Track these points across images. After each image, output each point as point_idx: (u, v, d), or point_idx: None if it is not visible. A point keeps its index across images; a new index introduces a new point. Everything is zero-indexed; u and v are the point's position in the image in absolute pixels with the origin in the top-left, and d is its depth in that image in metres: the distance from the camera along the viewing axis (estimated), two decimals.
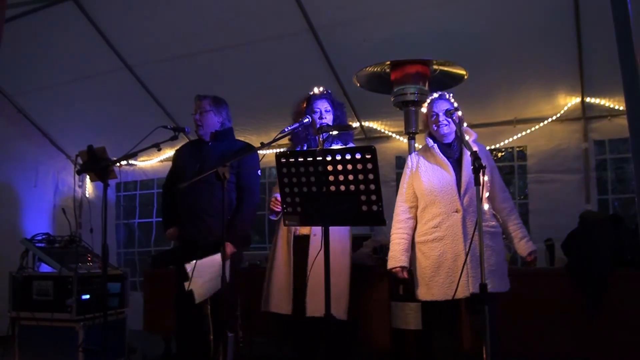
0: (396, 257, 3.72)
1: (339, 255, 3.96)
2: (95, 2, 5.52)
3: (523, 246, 3.65)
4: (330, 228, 2.93)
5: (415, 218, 3.77)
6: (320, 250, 3.15)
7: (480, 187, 2.92)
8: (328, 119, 4.04)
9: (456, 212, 3.50)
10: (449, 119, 3.55)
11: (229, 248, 3.79)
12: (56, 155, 7.65)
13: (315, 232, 3.96)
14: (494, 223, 3.59)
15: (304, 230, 4.03)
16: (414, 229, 3.77)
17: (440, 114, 3.58)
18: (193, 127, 4.26)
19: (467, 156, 3.53)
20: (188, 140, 4.23)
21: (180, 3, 5.42)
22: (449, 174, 3.57)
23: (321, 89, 4.18)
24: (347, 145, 4.02)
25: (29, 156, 7.26)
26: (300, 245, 4.02)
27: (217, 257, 3.62)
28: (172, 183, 4.27)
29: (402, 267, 3.71)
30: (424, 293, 3.63)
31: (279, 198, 3.98)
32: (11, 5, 4.96)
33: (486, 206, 3.53)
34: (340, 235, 4.05)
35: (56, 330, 4.40)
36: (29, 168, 7.29)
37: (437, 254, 3.56)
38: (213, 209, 3.98)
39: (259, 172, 4.36)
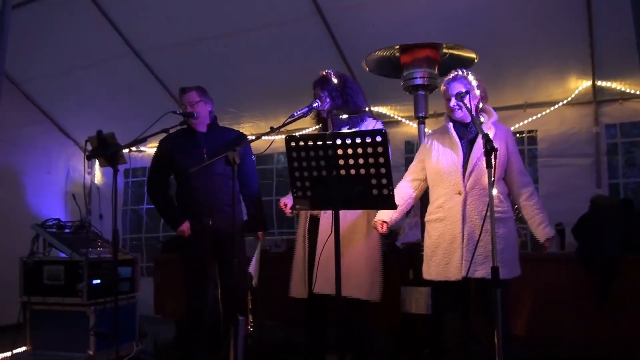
0: (380, 213, 3.78)
1: (360, 240, 3.99)
2: None
3: (541, 232, 3.55)
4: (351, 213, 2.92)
5: (417, 190, 3.82)
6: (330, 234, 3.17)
7: (492, 170, 2.86)
8: (328, 102, 4.01)
9: (458, 194, 3.49)
10: (460, 103, 3.51)
11: (262, 235, 4.20)
12: (65, 141, 7.68)
13: (326, 212, 3.96)
14: (502, 208, 3.51)
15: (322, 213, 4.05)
16: (412, 197, 3.83)
17: (452, 98, 3.56)
18: None
19: (480, 138, 3.50)
20: (173, 132, 4.19)
21: None
22: (456, 155, 3.55)
23: (327, 71, 4.14)
24: (358, 127, 3.99)
25: (39, 142, 7.28)
26: (313, 225, 4.04)
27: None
28: (162, 175, 4.34)
29: (382, 221, 3.76)
30: (424, 272, 3.67)
31: (285, 202, 4.03)
32: None
33: (495, 191, 3.46)
34: (353, 219, 4.06)
35: (67, 314, 4.43)
36: (40, 154, 7.31)
37: (437, 234, 3.58)
38: (229, 199, 4.08)
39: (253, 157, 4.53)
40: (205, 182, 4.14)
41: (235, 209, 3.49)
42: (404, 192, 3.82)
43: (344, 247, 3.78)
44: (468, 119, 3.58)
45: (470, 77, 3.55)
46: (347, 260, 3.75)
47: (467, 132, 3.61)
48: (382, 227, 3.78)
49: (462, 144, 3.58)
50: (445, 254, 3.51)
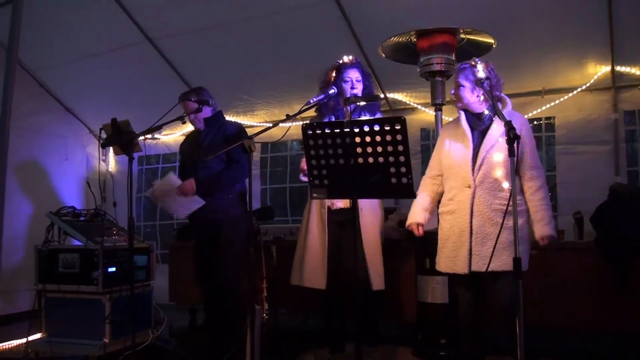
0: (412, 214, 3.77)
1: (371, 229, 3.98)
2: None
3: (539, 228, 3.42)
4: (363, 201, 2.90)
5: (441, 185, 3.75)
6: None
7: (515, 159, 2.79)
8: (359, 88, 4.01)
9: (467, 187, 3.45)
10: (457, 92, 3.51)
11: (190, 185, 4.12)
12: (82, 129, 7.69)
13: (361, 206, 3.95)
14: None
15: (339, 203, 4.02)
16: (438, 193, 3.78)
17: (459, 87, 3.52)
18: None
19: (492, 129, 3.44)
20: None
21: None
22: (466, 148, 3.50)
23: (351, 57, 4.14)
24: (375, 116, 3.96)
25: (55, 130, 7.27)
26: (337, 218, 4.01)
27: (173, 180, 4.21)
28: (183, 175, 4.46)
29: (418, 224, 3.74)
30: (437, 263, 3.66)
31: None
32: None
33: (506, 184, 3.37)
34: (372, 208, 4.05)
35: (82, 302, 4.42)
36: (57, 142, 7.31)
37: (447, 227, 3.57)
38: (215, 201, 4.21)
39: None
40: (190, 174, 4.26)
41: (250, 200, 3.44)
42: (430, 188, 3.78)
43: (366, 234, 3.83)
44: (481, 107, 3.53)
45: (480, 67, 3.46)
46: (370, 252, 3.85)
47: (480, 123, 3.54)
48: (417, 230, 3.75)
49: (473, 136, 3.52)
50: (454, 246, 3.49)
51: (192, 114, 4.32)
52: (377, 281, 4.00)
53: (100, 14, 5.88)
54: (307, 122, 3.00)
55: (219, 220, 4.15)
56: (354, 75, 4.02)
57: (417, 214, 3.74)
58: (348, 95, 3.92)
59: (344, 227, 4.01)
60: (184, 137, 4.80)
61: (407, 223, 3.79)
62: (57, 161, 7.28)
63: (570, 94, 5.56)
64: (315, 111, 4.23)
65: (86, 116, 7.60)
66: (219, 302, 4.21)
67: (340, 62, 4.11)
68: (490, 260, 3.24)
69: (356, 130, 2.76)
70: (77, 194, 7.36)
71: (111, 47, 6.32)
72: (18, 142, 6.27)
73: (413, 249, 4.52)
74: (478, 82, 3.38)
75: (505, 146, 3.15)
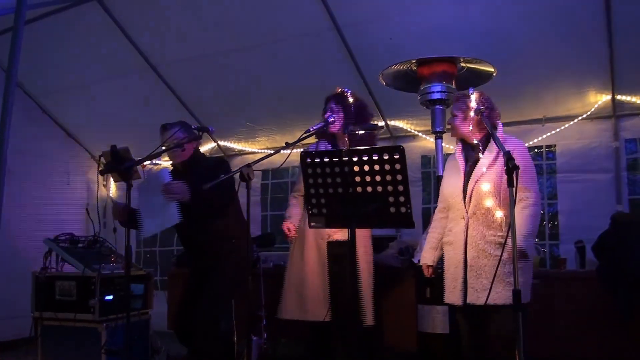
0: (424, 255, 3.73)
1: (362, 262, 3.94)
2: (118, 2, 5.50)
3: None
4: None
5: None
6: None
7: (514, 190, 2.76)
8: (333, 119, 3.98)
9: (462, 219, 3.43)
10: (451, 123, 3.52)
11: (180, 187, 3.64)
12: (83, 154, 7.70)
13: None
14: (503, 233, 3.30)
15: (337, 235, 3.98)
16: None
17: (453, 117, 3.52)
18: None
19: (481, 160, 3.42)
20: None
21: (203, 2, 5.39)
22: (459, 179, 3.50)
23: (338, 89, 4.13)
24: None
25: (57, 155, 7.30)
26: (337, 251, 3.98)
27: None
28: None
29: (428, 265, 3.70)
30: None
31: (289, 225, 3.99)
32: (34, 6, 4.96)
33: (499, 214, 3.31)
34: (363, 239, 4.00)
35: (79, 330, 4.38)
36: (59, 167, 7.33)
37: (447, 258, 3.55)
38: (201, 241, 3.99)
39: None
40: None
41: (248, 228, 3.40)
42: (439, 225, 3.71)
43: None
44: (472, 139, 3.50)
45: (473, 97, 3.44)
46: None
47: (473, 153, 3.52)
48: (428, 272, 3.71)
49: (465, 167, 3.52)
50: (452, 278, 3.47)
51: (182, 146, 3.93)
52: (369, 317, 3.97)
53: (102, 41, 5.92)
54: (306, 149, 2.99)
55: (213, 253, 3.95)
56: (330, 105, 4.05)
57: (427, 255, 3.71)
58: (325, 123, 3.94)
59: (340, 259, 3.97)
60: None
61: (421, 263, 3.76)
62: (59, 186, 7.28)
63: (571, 122, 5.55)
64: (315, 138, 4.23)
65: (88, 142, 7.62)
66: (195, 336, 3.96)
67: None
68: (489, 293, 3.20)
69: (355, 159, 2.75)
70: (78, 220, 7.32)
71: (113, 73, 6.36)
72: (20, 167, 6.30)
73: (413, 278, 4.48)
74: (477, 111, 3.36)
75: (493, 176, 3.18)
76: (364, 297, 3.93)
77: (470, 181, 3.42)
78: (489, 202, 3.34)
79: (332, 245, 4.02)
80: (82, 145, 7.64)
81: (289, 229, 4.08)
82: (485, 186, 3.35)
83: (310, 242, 4.07)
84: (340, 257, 3.97)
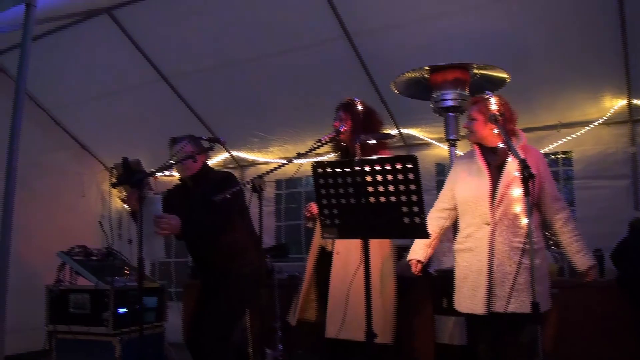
0: (413, 250, 3.68)
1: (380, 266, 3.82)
2: (129, 14, 5.51)
3: (579, 260, 3.30)
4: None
5: (448, 219, 3.65)
6: (359, 266, 3.04)
7: (530, 198, 2.72)
8: (344, 127, 3.91)
9: (486, 224, 3.32)
10: (470, 126, 3.44)
11: (176, 222, 3.60)
12: (97, 166, 7.75)
13: (338, 251, 3.77)
14: (533, 239, 3.18)
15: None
16: (444, 228, 3.69)
17: (472, 120, 3.45)
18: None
19: (509, 164, 3.35)
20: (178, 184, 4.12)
21: (214, 13, 5.38)
22: (484, 183, 3.37)
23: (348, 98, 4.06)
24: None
25: (71, 167, 7.36)
26: (326, 260, 3.86)
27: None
28: None
29: (417, 261, 3.65)
30: (455, 302, 3.51)
31: (312, 204, 3.87)
32: (46, 20, 4.98)
33: (524, 220, 3.22)
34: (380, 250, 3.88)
35: (93, 344, 4.37)
36: (72, 179, 7.38)
37: (465, 265, 3.43)
38: (208, 257, 3.96)
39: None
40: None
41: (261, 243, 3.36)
42: (435, 223, 3.65)
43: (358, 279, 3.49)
44: (492, 143, 3.44)
45: (493, 101, 3.38)
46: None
47: (495, 157, 3.44)
48: (416, 267, 3.66)
49: (489, 171, 3.41)
50: (472, 286, 3.34)
51: (194, 158, 3.88)
52: (388, 334, 3.74)
53: (114, 53, 5.94)
54: (318, 159, 2.95)
55: (221, 268, 3.89)
56: (338, 114, 3.97)
57: (418, 250, 3.65)
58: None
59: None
60: (167, 192, 4.27)
61: (408, 258, 3.68)
62: (74, 198, 7.32)
63: (587, 128, 5.49)
64: (329, 148, 4.18)
65: (102, 154, 7.67)
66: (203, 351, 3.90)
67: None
68: (509, 300, 3.14)
69: (367, 169, 2.70)
70: (93, 231, 7.31)
71: (126, 85, 6.39)
72: (34, 179, 6.33)
73: (430, 288, 4.42)
74: (491, 118, 3.30)
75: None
76: (384, 313, 3.75)
77: (499, 186, 3.32)
78: (518, 208, 3.25)
79: (326, 255, 3.87)
80: (96, 157, 7.69)
81: (310, 207, 3.86)
82: (517, 191, 3.24)
83: (312, 250, 3.96)
84: (326, 267, 3.83)
